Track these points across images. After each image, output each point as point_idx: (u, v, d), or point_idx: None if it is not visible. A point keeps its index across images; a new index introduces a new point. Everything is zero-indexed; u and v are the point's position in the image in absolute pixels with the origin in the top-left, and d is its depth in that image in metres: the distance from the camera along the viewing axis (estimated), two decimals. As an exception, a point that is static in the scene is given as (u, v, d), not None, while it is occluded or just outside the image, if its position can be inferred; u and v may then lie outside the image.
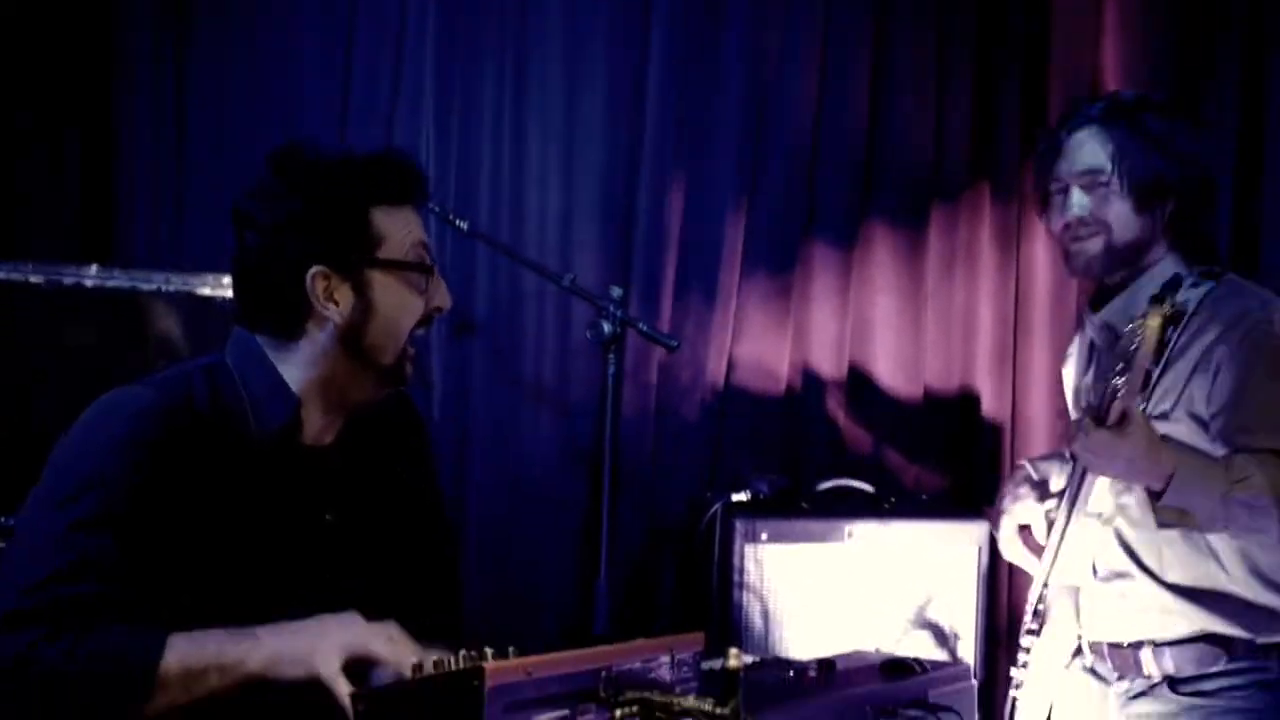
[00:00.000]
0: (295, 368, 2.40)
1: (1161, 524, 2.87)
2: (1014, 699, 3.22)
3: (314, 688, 2.14)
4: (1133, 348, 2.76)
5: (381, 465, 2.56)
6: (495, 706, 1.76)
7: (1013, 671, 3.25)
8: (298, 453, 2.42)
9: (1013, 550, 3.31)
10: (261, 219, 2.37)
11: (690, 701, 1.87)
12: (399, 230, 2.40)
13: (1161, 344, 2.77)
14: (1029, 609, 3.24)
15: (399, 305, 2.40)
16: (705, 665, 2.05)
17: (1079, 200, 3.10)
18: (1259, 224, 4.83)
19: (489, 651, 1.99)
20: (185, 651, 2.17)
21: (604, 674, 1.89)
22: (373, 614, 2.26)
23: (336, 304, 2.36)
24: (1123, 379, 2.75)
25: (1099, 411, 2.79)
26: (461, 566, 2.80)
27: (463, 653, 1.91)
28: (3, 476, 3.29)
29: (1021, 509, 3.30)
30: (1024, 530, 3.32)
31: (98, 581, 2.17)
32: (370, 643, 2.15)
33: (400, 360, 2.43)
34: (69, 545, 2.18)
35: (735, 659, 1.75)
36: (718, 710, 1.74)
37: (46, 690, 2.12)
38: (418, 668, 1.86)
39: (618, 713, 1.89)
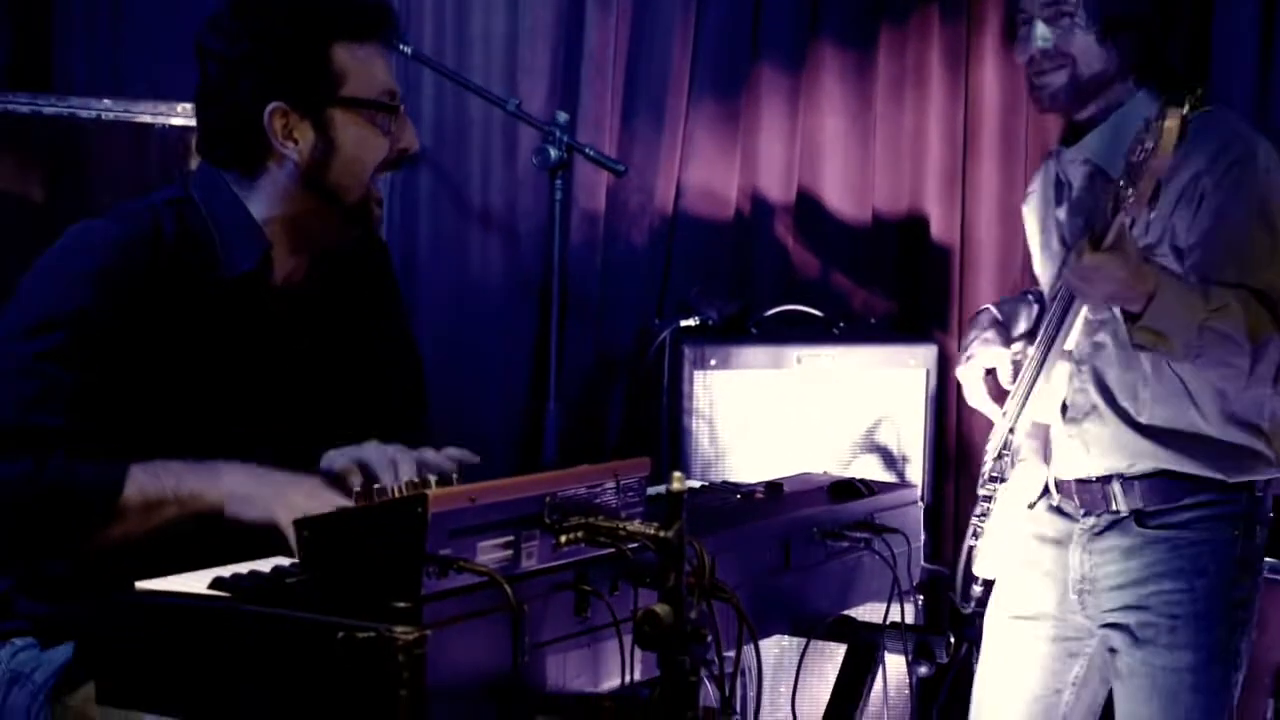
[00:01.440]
0: (260, 205, 2.39)
1: (1136, 345, 2.85)
2: (969, 548, 3.25)
3: (267, 531, 2.14)
4: (1140, 155, 2.67)
5: (350, 302, 2.57)
6: (438, 533, 1.75)
7: (973, 520, 3.27)
8: (268, 292, 2.42)
9: (976, 395, 3.31)
10: (220, 53, 2.35)
11: (635, 526, 1.87)
12: (362, 68, 2.38)
13: (1177, 148, 2.69)
14: (989, 456, 3.25)
15: (361, 144, 2.39)
16: (651, 491, 2.05)
17: (1042, 33, 3.04)
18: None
19: (432, 479, 1.99)
20: (144, 482, 2.20)
21: (548, 500, 1.89)
22: (341, 439, 2.28)
23: (295, 142, 2.35)
24: (1130, 190, 2.69)
25: (1096, 233, 2.75)
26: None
27: (406, 480, 1.92)
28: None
29: (988, 353, 3.29)
30: (988, 375, 3.32)
31: (62, 412, 2.18)
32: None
33: (365, 200, 2.42)
34: (35, 373, 2.19)
35: (678, 482, 1.74)
36: (661, 533, 1.74)
37: (3, 511, 2.14)
38: (361, 495, 1.85)
39: (562, 538, 1.89)
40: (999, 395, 3.27)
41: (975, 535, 3.25)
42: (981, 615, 3.29)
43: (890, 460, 4.24)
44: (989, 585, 3.26)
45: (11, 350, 2.22)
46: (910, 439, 4.27)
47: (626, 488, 2.00)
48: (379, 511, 1.80)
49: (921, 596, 4.22)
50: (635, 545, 1.87)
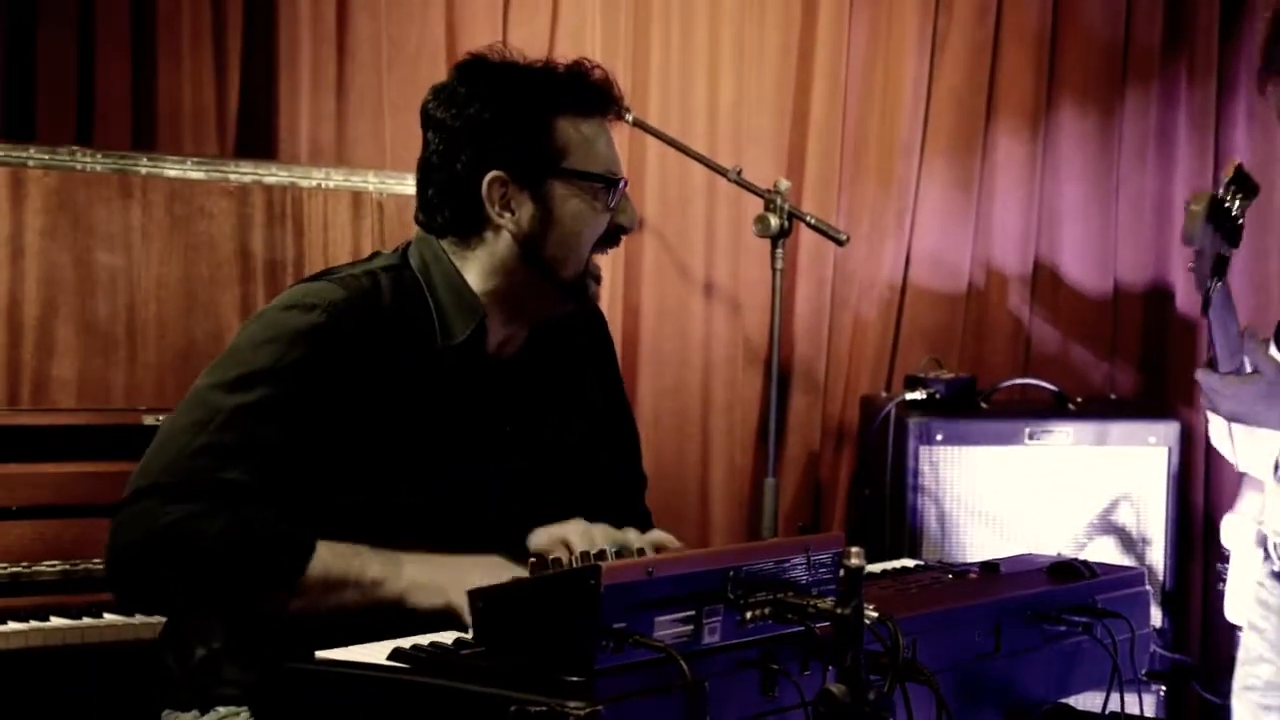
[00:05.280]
0: (476, 276, 2.38)
1: None
2: (1224, 592, 3.09)
3: (445, 616, 2.12)
4: None
5: (567, 380, 2.53)
6: (613, 606, 1.68)
7: (1219, 566, 3.12)
8: (481, 363, 2.39)
9: (1220, 438, 3.14)
10: (443, 121, 2.35)
11: (825, 603, 1.77)
12: (585, 143, 2.36)
13: None
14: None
15: (580, 218, 2.36)
16: (876, 567, 1.95)
17: None
18: None
19: (610, 551, 1.93)
20: (329, 561, 2.18)
21: (732, 574, 1.80)
22: (557, 515, 2.27)
23: (512, 212, 2.33)
24: None
25: None
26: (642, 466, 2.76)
27: (584, 551, 1.86)
28: (174, 372, 3.32)
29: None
30: None
31: (257, 468, 2.17)
32: None
33: (582, 275, 2.39)
34: (234, 427, 2.17)
35: (856, 558, 1.65)
36: (838, 610, 1.64)
37: (194, 565, 2.13)
38: (536, 566, 1.79)
39: (747, 614, 1.80)
40: None
41: (1222, 580, 3.08)
42: None
43: (1129, 542, 4.05)
44: None
45: (214, 401, 2.21)
46: (1151, 520, 4.10)
47: (818, 563, 1.89)
48: (552, 583, 1.74)
49: (1163, 687, 4.03)
50: (824, 624, 1.78)
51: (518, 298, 2.40)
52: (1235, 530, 3.02)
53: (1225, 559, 3.10)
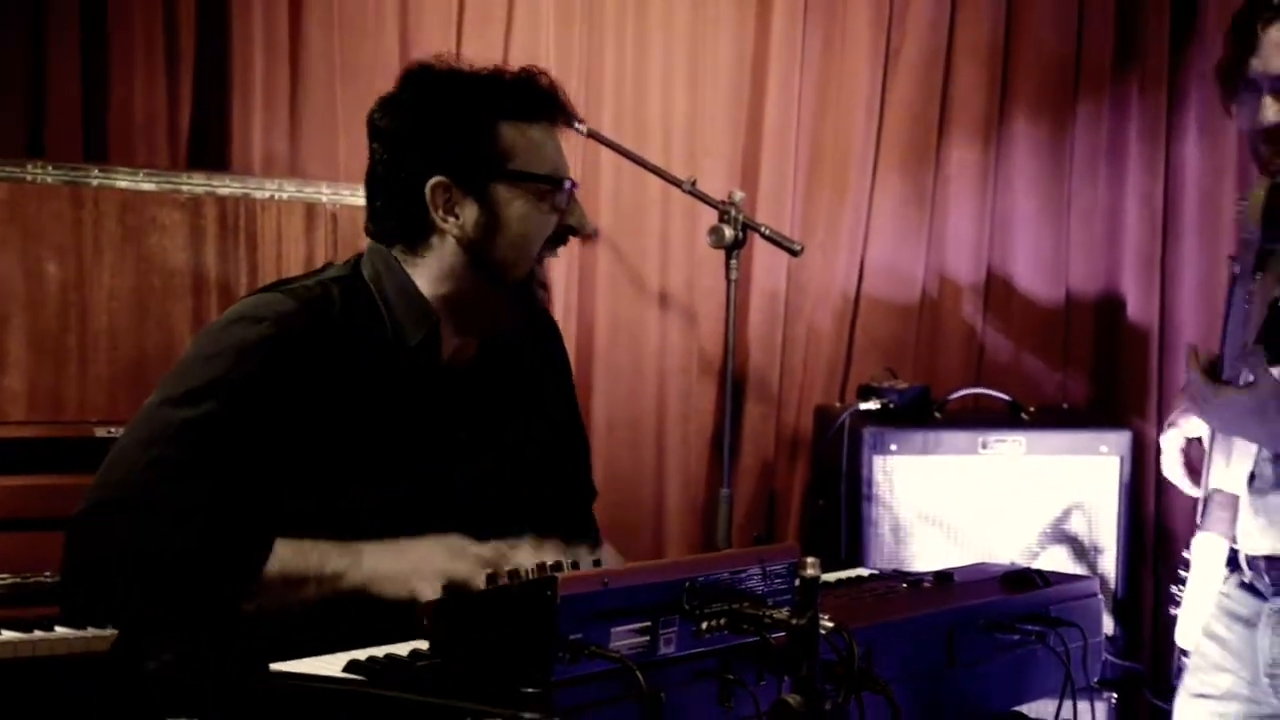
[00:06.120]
0: (426, 282, 2.38)
1: None
2: (1174, 618, 3.09)
3: (408, 607, 2.10)
4: None
5: (521, 388, 2.54)
6: (570, 617, 1.68)
7: (1174, 589, 3.12)
8: (434, 371, 2.40)
9: (1171, 465, 3.15)
10: (386, 130, 2.37)
11: (780, 613, 1.78)
12: (530, 146, 2.37)
13: None
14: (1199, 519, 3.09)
15: (525, 219, 2.36)
16: (831, 576, 1.96)
17: (1273, 109, 2.87)
18: None
19: (565, 563, 1.93)
20: (287, 559, 2.18)
21: (688, 585, 1.81)
22: (500, 532, 2.26)
23: (457, 217, 2.34)
24: None
25: None
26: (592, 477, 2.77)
27: (538, 563, 1.86)
28: (127, 384, 3.30)
29: (1191, 422, 3.12)
30: (1190, 444, 3.16)
31: (208, 481, 2.17)
32: (474, 576, 2.09)
33: (529, 280, 2.40)
34: (183, 441, 2.18)
35: (812, 568, 1.65)
36: (794, 621, 1.65)
37: (149, 577, 2.13)
38: (491, 578, 1.79)
39: (703, 625, 1.81)
40: (1196, 470, 3.10)
41: (1175, 603, 3.08)
42: None
43: (1081, 551, 4.08)
44: None
45: (163, 416, 2.22)
46: (1103, 529, 4.13)
47: (773, 574, 1.90)
48: (509, 595, 1.74)
49: (1115, 695, 4.06)
50: (780, 634, 1.78)
51: (468, 303, 2.40)
52: (1206, 549, 3.02)
53: (1179, 580, 3.10)
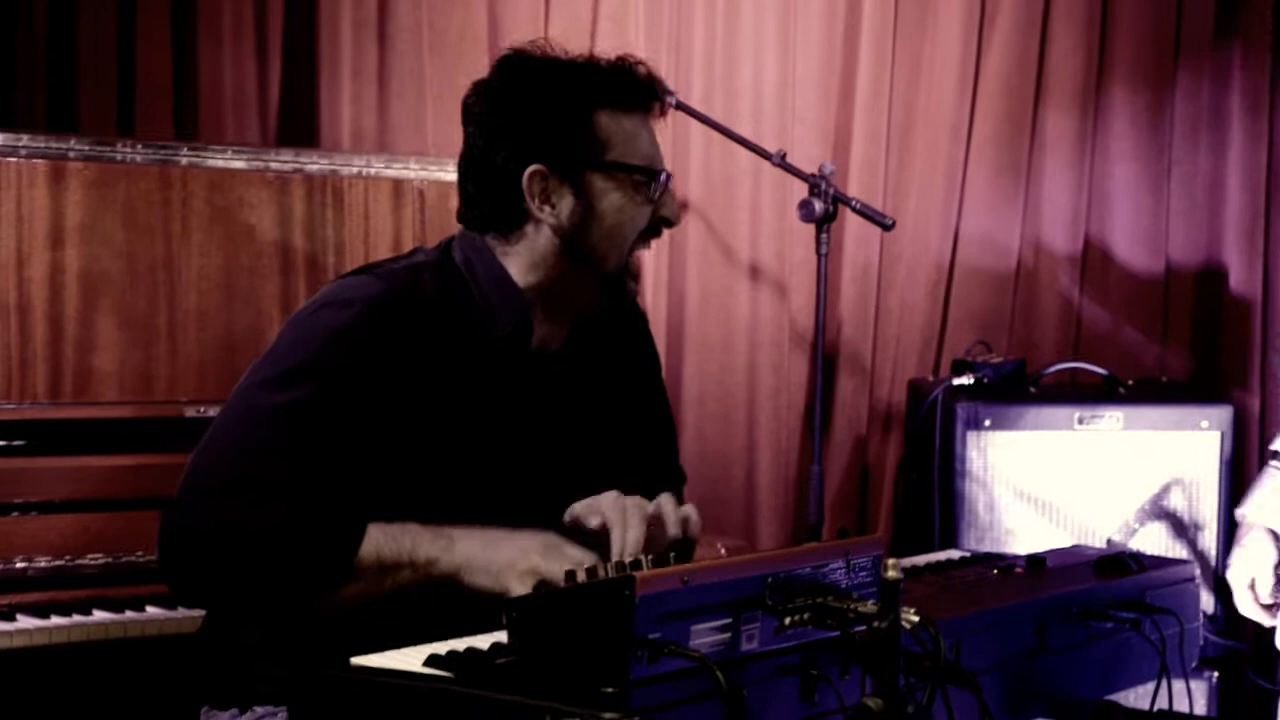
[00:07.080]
0: (518, 270, 2.37)
1: None
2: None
3: (493, 599, 2.09)
4: None
5: (609, 376, 2.53)
6: (648, 616, 1.66)
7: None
8: (524, 358, 2.39)
9: (1248, 605, 3.15)
10: (482, 116, 2.35)
11: (866, 607, 1.75)
12: (626, 136, 2.34)
13: None
14: None
15: (620, 210, 2.34)
16: (923, 560, 1.91)
17: None
18: None
19: (645, 560, 1.91)
20: (381, 544, 2.17)
21: (770, 580, 1.78)
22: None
23: (553, 206, 2.32)
24: None
25: None
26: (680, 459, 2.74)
27: (617, 561, 1.84)
28: (216, 364, 3.32)
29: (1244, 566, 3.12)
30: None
31: (302, 464, 2.16)
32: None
33: (622, 271, 2.38)
34: (277, 424, 2.17)
35: (893, 570, 1.62)
36: (876, 624, 1.62)
37: (246, 560, 2.12)
38: (570, 576, 1.77)
39: (785, 620, 1.78)
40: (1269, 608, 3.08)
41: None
42: None
43: (1180, 529, 3.99)
44: None
45: (257, 399, 2.22)
46: (1204, 506, 4.03)
47: (858, 566, 1.87)
48: (586, 594, 1.72)
49: (1216, 673, 3.98)
50: (864, 628, 1.75)
51: (560, 292, 2.39)
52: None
53: None
